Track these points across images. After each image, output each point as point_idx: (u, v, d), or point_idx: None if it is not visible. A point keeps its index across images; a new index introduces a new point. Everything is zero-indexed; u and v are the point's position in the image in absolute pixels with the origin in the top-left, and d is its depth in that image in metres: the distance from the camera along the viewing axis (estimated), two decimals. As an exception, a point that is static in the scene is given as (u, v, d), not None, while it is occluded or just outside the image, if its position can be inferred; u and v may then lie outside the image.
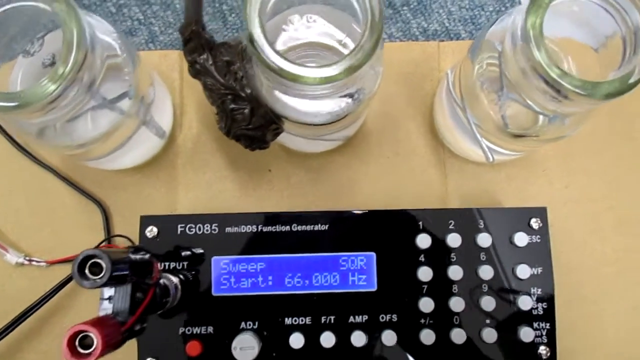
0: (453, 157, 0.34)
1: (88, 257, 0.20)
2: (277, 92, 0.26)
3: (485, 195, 0.34)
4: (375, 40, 0.22)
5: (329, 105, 0.27)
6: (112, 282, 0.21)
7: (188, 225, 0.30)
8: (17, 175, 0.34)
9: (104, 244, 0.32)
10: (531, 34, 0.22)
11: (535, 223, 0.30)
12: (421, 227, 0.30)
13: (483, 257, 0.30)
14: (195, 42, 0.25)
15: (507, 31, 0.25)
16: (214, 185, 0.34)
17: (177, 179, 0.34)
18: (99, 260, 0.20)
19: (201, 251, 0.29)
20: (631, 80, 0.22)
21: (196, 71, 0.26)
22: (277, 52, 0.22)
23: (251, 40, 0.22)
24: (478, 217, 0.30)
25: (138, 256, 0.24)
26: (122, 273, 0.22)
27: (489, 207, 0.33)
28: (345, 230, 0.30)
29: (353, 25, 0.26)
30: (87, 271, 0.21)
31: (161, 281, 0.26)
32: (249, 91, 0.26)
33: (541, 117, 0.27)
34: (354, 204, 0.33)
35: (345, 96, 0.26)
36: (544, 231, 0.30)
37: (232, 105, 0.26)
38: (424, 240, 0.30)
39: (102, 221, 0.33)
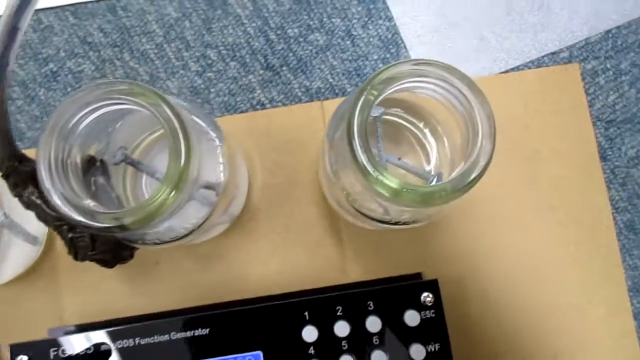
0: (349, 223, 0.33)
1: None
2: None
3: (386, 260, 0.33)
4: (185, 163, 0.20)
5: (191, 209, 0.25)
6: None
7: (61, 349, 0.28)
8: None
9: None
10: (355, 136, 0.20)
11: (426, 298, 0.29)
12: (307, 318, 0.28)
13: (375, 342, 0.28)
14: (14, 177, 0.23)
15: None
16: (101, 286, 0.32)
17: (60, 285, 0.32)
18: None
19: (78, 373, 0.28)
20: (471, 177, 0.21)
21: (25, 205, 0.24)
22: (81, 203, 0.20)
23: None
24: (366, 300, 0.29)
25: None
26: None
27: (383, 277, 0.31)
28: (228, 330, 0.28)
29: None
30: None
31: None
32: (84, 218, 0.24)
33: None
34: (247, 290, 0.32)
35: (205, 188, 0.25)
36: (437, 305, 0.29)
37: (71, 234, 0.24)
38: (310, 333, 0.28)
39: (-15, 341, 0.31)
